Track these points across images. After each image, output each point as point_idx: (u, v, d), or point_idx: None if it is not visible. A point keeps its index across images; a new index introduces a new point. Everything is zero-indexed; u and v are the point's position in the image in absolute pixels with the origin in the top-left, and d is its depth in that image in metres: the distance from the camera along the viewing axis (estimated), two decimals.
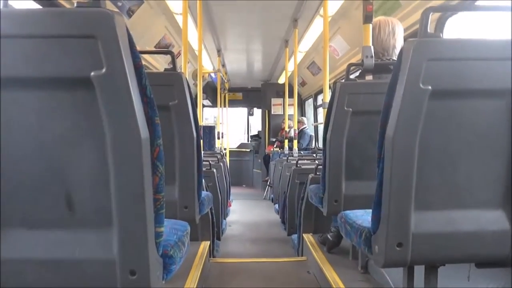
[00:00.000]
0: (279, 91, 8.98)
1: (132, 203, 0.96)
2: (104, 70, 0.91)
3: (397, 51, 2.22)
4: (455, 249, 1.21)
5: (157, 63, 5.09)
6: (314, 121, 7.74)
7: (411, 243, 1.17)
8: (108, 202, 0.96)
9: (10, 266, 1.00)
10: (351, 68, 2.19)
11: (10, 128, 0.97)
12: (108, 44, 0.91)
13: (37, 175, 0.99)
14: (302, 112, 8.79)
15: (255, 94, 9.90)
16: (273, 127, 9.13)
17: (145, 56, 4.54)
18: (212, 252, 3.02)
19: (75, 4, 0.94)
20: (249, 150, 9.90)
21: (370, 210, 1.28)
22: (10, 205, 1.01)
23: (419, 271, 1.36)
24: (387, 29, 2.21)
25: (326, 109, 2.70)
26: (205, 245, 2.76)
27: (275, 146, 7.96)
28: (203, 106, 7.22)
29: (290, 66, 6.31)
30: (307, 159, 4.48)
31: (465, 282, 1.63)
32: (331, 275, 2.18)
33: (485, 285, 1.71)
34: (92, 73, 0.91)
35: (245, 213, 5.85)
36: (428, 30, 1.15)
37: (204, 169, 2.77)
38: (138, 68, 0.97)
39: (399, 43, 2.23)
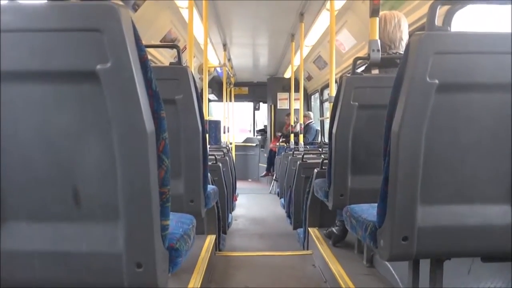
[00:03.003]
0: (285, 85, 8.97)
1: (138, 196, 0.96)
2: (109, 63, 0.91)
3: (403, 43, 2.21)
4: (461, 243, 1.20)
5: (163, 58, 5.09)
6: (320, 116, 7.72)
7: (417, 237, 1.17)
8: (114, 195, 0.97)
9: (17, 259, 1.01)
10: (358, 62, 2.18)
11: (16, 122, 0.98)
12: (113, 37, 0.91)
13: (44, 169, 1.00)
14: (308, 106, 8.77)
15: (261, 88, 9.88)
16: (279, 122, 9.14)
17: (151, 50, 4.54)
18: (218, 246, 3.03)
19: None
20: (255, 144, 9.90)
21: (376, 204, 1.27)
22: (17, 198, 1.02)
23: (425, 265, 1.36)
24: (393, 22, 2.20)
25: (332, 103, 2.70)
26: (211, 238, 2.78)
27: (280, 140, 7.96)
28: (209, 100, 7.23)
29: (296, 61, 6.29)
30: (312, 154, 4.48)
31: (471, 275, 1.63)
32: (337, 268, 2.18)
33: (490, 280, 1.71)
34: (98, 67, 0.91)
35: (251, 207, 5.86)
36: (436, 24, 1.14)
37: (209, 163, 2.78)
38: (144, 61, 0.97)
39: (405, 36, 2.22)
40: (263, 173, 8.56)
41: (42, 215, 1.02)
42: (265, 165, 8.98)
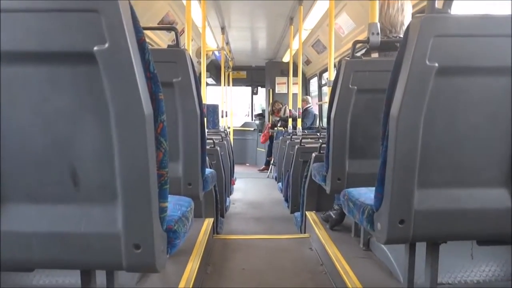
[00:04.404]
0: (283, 69, 8.90)
1: (136, 178, 0.96)
2: (107, 44, 0.90)
3: (404, 28, 2.18)
4: (457, 226, 1.21)
5: (161, 41, 5.03)
6: (318, 100, 7.69)
7: (414, 220, 1.18)
8: (112, 177, 0.97)
9: (16, 240, 1.02)
10: (357, 45, 2.16)
11: (14, 103, 0.97)
12: (111, 18, 0.90)
13: (42, 150, 1.00)
14: (306, 91, 8.73)
15: (259, 72, 9.82)
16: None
17: (148, 33, 4.48)
18: (215, 229, 3.06)
19: None
20: (253, 129, 9.89)
21: (373, 188, 1.28)
22: (16, 180, 1.02)
23: (420, 248, 1.38)
24: (396, 5, 2.17)
25: (330, 88, 2.69)
26: (208, 221, 2.80)
27: (279, 125, 7.91)
28: (207, 84, 7.17)
29: (295, 45, 6.24)
30: (311, 138, 4.48)
31: (466, 259, 1.65)
32: (333, 251, 2.21)
33: (485, 263, 1.73)
34: (95, 48, 0.91)
35: (249, 191, 5.89)
36: (436, 6, 1.12)
37: (208, 147, 2.78)
38: (141, 43, 0.96)
39: (407, 20, 2.20)
40: (262, 167, 8.46)
41: (41, 197, 1.03)
42: (263, 150, 8.95)
